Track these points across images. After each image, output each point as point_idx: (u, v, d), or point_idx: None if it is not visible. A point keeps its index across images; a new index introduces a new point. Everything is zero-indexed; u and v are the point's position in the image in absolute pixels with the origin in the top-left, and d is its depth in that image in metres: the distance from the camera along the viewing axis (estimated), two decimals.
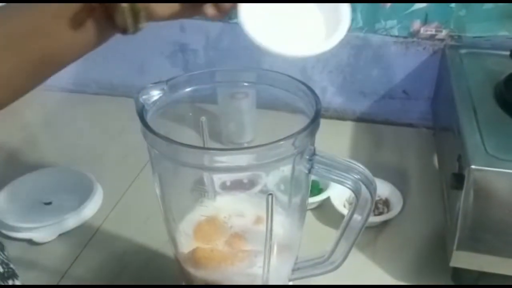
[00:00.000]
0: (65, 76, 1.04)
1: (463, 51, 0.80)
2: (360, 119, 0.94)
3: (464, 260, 0.57)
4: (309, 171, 0.44)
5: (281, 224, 0.50)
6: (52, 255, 0.65)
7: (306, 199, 0.51)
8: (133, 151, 0.82)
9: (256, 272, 0.46)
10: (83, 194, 0.74)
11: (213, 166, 0.42)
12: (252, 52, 0.93)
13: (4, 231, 0.67)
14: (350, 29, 0.90)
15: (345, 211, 0.67)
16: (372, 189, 0.44)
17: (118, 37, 0.99)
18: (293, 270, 0.51)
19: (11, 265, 0.49)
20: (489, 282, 0.59)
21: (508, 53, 0.71)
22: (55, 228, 0.68)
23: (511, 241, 0.54)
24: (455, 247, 0.56)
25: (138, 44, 0.97)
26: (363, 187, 0.43)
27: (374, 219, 0.69)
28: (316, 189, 0.72)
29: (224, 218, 0.48)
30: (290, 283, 0.53)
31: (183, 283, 0.53)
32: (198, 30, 0.93)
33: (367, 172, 0.44)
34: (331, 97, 0.94)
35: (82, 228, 0.69)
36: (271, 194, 0.41)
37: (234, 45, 0.93)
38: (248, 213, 0.49)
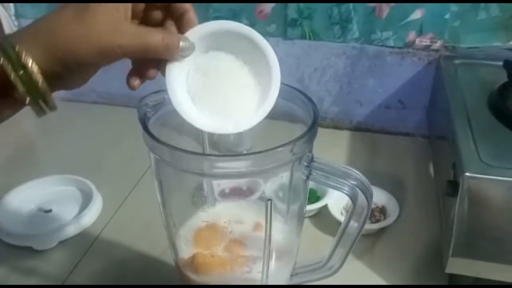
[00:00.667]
0: None
1: (457, 61, 0.82)
2: (356, 128, 0.95)
3: (460, 266, 0.58)
4: (307, 178, 0.45)
5: (280, 230, 0.51)
6: (51, 262, 0.66)
7: (304, 205, 0.52)
8: (132, 160, 0.83)
9: (255, 278, 0.47)
10: (83, 202, 0.75)
11: (213, 172, 0.43)
12: None
13: (5, 239, 0.68)
14: (346, 40, 0.91)
15: (342, 219, 0.68)
16: (368, 195, 0.45)
17: None
18: (292, 276, 0.52)
19: None
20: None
21: (501, 63, 0.72)
22: (55, 236, 0.68)
23: (505, 247, 0.55)
24: (450, 253, 0.57)
25: None
26: (360, 193, 0.44)
27: (371, 227, 0.69)
28: (314, 197, 0.73)
29: (224, 224, 0.49)
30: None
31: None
32: None
33: (363, 178, 0.45)
34: (328, 107, 0.95)
35: (82, 236, 0.70)
36: (270, 200, 0.42)
37: None
38: (247, 220, 0.50)
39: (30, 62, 0.37)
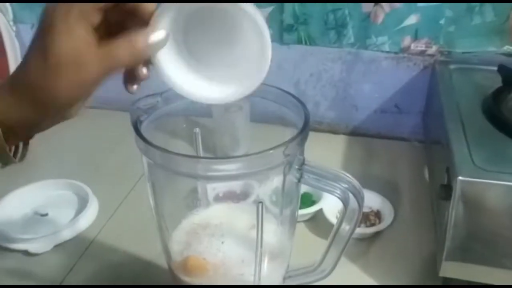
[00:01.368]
0: None
1: (452, 66, 0.82)
2: (352, 132, 0.96)
3: (453, 270, 0.58)
4: (299, 180, 0.45)
5: (273, 233, 0.51)
6: (47, 265, 0.66)
7: (297, 209, 0.52)
8: (129, 164, 0.83)
9: (248, 280, 0.47)
10: (79, 206, 0.75)
11: (206, 175, 0.43)
12: None
13: (0, 242, 0.68)
14: (342, 45, 0.91)
15: None
16: (360, 198, 0.45)
17: None
18: (284, 279, 0.52)
19: None
20: None
21: (496, 68, 0.73)
22: (50, 239, 0.68)
23: (499, 251, 0.55)
24: (444, 257, 0.57)
25: None
26: (351, 196, 0.45)
27: (366, 231, 0.70)
28: (309, 201, 0.73)
29: (216, 226, 0.49)
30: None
31: None
32: None
33: (355, 181, 0.45)
34: (324, 112, 0.95)
35: (77, 239, 0.70)
36: (261, 202, 0.42)
37: None
38: (240, 222, 0.50)
39: None
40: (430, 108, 0.86)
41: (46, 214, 0.73)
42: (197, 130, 0.54)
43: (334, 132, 0.96)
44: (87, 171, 0.84)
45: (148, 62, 0.42)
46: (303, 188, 0.74)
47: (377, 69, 0.89)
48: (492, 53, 0.83)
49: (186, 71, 0.43)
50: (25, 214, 0.73)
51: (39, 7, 0.96)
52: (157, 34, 0.39)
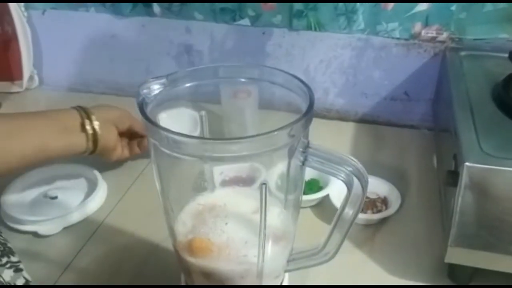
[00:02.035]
0: (73, 76, 1.06)
1: (463, 53, 0.81)
2: (362, 120, 0.95)
3: (459, 256, 0.58)
4: (303, 163, 0.45)
5: (277, 216, 0.51)
6: (56, 247, 0.67)
7: (301, 192, 0.52)
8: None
9: (251, 261, 0.47)
10: (88, 189, 0.76)
11: (211, 156, 0.43)
12: (256, 54, 0.96)
13: (11, 224, 0.69)
14: (352, 31, 0.91)
15: None
16: (364, 182, 0.45)
17: (124, 38, 1.02)
18: (288, 261, 0.52)
19: (8, 244, 0.51)
20: (485, 279, 0.60)
21: (507, 55, 0.72)
22: (59, 222, 0.69)
23: (505, 238, 0.55)
24: (450, 243, 0.57)
25: (144, 45, 0.99)
26: (355, 180, 0.45)
27: (372, 217, 0.70)
28: (316, 186, 0.74)
29: (220, 207, 0.49)
30: (286, 277, 0.55)
31: (182, 281, 0.55)
32: (203, 31, 0.95)
33: (359, 165, 0.45)
34: (334, 98, 0.95)
35: (86, 222, 0.71)
36: (264, 184, 0.42)
37: (238, 47, 0.94)
38: (245, 206, 0.50)
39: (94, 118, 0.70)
40: (439, 95, 0.85)
41: (56, 197, 0.73)
42: (203, 113, 0.54)
43: (343, 119, 0.96)
44: (96, 156, 0.84)
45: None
46: (310, 174, 0.74)
47: (387, 55, 0.88)
48: (504, 40, 0.82)
49: None
50: (35, 197, 0.74)
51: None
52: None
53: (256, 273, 0.48)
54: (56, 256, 0.66)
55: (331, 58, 0.91)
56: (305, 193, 0.71)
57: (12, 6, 0.96)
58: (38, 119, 0.67)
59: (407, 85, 0.90)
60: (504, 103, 0.65)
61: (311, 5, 0.86)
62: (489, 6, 0.80)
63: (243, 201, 0.51)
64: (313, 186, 0.73)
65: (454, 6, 0.81)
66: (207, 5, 0.91)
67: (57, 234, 0.69)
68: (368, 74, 0.91)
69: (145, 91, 0.47)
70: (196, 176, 0.52)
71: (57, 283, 0.62)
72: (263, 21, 0.91)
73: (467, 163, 0.54)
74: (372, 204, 0.72)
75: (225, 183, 0.58)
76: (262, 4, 0.89)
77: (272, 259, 0.49)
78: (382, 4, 0.84)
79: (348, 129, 0.93)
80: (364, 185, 0.45)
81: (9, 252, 0.51)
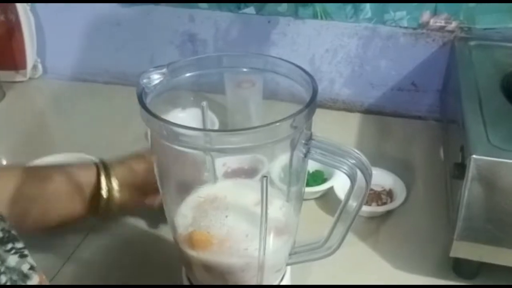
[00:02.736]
0: (77, 65, 1.05)
1: (472, 43, 0.79)
2: (368, 111, 0.94)
3: (464, 250, 0.57)
4: (305, 156, 0.44)
5: (280, 208, 0.50)
6: (58, 238, 0.67)
7: (304, 185, 0.51)
8: (142, 139, 0.82)
9: (252, 254, 0.46)
10: None
11: (213, 148, 0.43)
12: (261, 43, 0.94)
13: None
14: (358, 20, 0.89)
15: None
16: (367, 175, 0.44)
17: (129, 27, 1.00)
18: (290, 255, 0.51)
19: (13, 231, 0.51)
20: (491, 273, 0.59)
21: None
22: None
23: (510, 232, 0.54)
24: (455, 237, 0.56)
25: (148, 34, 0.98)
26: (359, 172, 0.44)
27: (377, 209, 0.69)
28: (320, 178, 0.73)
29: (220, 199, 0.49)
30: (288, 271, 0.54)
31: (183, 274, 0.54)
32: (207, 20, 0.93)
33: (363, 158, 0.44)
34: (340, 89, 0.94)
35: None
36: (266, 177, 0.42)
37: (243, 36, 0.93)
38: (246, 198, 0.49)
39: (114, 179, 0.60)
40: (448, 86, 0.84)
41: None
42: (205, 103, 0.53)
43: (349, 110, 0.95)
44: (100, 146, 0.84)
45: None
46: (315, 166, 0.73)
47: (394, 45, 0.87)
48: None
49: None
50: None
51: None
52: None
53: (257, 266, 0.47)
54: (59, 246, 0.66)
55: (337, 48, 0.90)
56: (309, 185, 0.70)
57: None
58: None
59: (414, 75, 0.89)
60: None
61: None
62: None
63: (245, 193, 0.51)
64: (317, 178, 0.72)
65: None
66: None
67: None
68: (375, 64, 0.90)
69: (145, 80, 0.46)
70: (197, 166, 0.51)
71: (58, 274, 0.62)
72: (268, 10, 0.89)
73: (474, 156, 0.53)
74: (377, 197, 0.71)
75: (228, 174, 0.57)
76: None
77: (273, 253, 0.48)
78: None
79: (354, 120, 0.92)
80: (367, 178, 0.44)
81: (14, 238, 0.51)
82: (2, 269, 0.39)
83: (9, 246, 0.49)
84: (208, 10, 0.92)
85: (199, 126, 0.55)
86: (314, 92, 0.44)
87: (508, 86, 0.65)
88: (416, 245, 0.65)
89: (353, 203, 0.47)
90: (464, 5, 0.80)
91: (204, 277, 0.50)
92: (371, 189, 0.67)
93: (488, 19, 0.80)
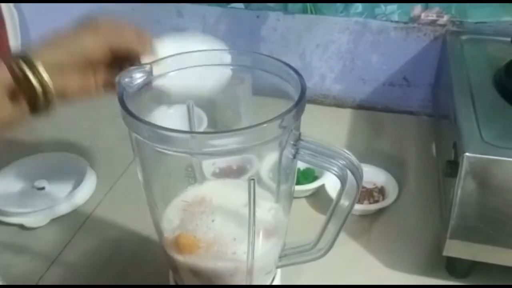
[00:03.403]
0: None
1: (464, 37, 0.79)
2: (359, 106, 0.93)
3: (457, 249, 0.56)
4: (294, 157, 0.43)
5: (269, 210, 0.49)
6: (43, 240, 0.65)
7: (293, 185, 0.50)
8: (127, 139, 0.81)
9: (240, 258, 0.45)
10: (77, 179, 0.74)
11: (199, 151, 0.41)
12: (251, 38, 0.93)
13: None
14: (349, 14, 0.88)
15: None
16: (358, 176, 0.43)
17: None
18: (280, 257, 0.50)
19: None
20: (484, 272, 0.58)
21: (510, 39, 0.69)
22: (47, 213, 0.67)
23: (504, 230, 0.53)
24: (448, 235, 0.55)
25: None
26: (349, 174, 0.42)
27: (369, 207, 0.68)
28: (311, 176, 0.71)
29: (206, 202, 0.47)
30: (278, 272, 0.53)
31: (170, 278, 0.53)
32: (195, 15, 0.92)
33: (353, 158, 0.42)
34: (331, 84, 0.92)
35: (75, 214, 0.69)
36: (253, 179, 0.40)
37: (232, 31, 0.91)
38: (234, 199, 0.48)
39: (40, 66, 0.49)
40: (439, 80, 0.83)
41: (43, 188, 0.71)
42: (191, 102, 0.52)
43: (340, 105, 0.93)
44: (86, 146, 0.82)
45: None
46: (305, 164, 0.72)
47: (385, 40, 0.86)
48: (506, 23, 0.79)
49: None
50: (22, 188, 0.72)
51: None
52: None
53: (246, 270, 0.46)
54: (43, 249, 0.64)
55: (327, 43, 0.88)
56: (299, 183, 0.69)
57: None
58: None
59: (406, 70, 0.87)
60: (506, 89, 0.63)
61: None
62: None
63: (233, 194, 0.49)
64: (308, 175, 0.71)
65: None
66: None
67: (44, 226, 0.67)
68: (366, 59, 0.88)
69: (126, 79, 0.44)
70: (183, 170, 0.50)
71: (43, 277, 0.60)
72: (258, 4, 0.88)
73: (467, 153, 0.51)
74: (368, 194, 0.70)
75: (216, 174, 0.56)
76: None
77: (262, 256, 0.47)
78: None
79: (345, 116, 0.91)
80: (358, 180, 0.43)
81: None
82: None
83: None
84: (196, 5, 0.90)
85: (187, 123, 0.54)
86: (303, 90, 0.43)
87: (500, 80, 0.64)
88: (409, 244, 0.64)
89: (343, 205, 0.45)
90: None
91: (192, 282, 0.49)
92: (363, 187, 0.66)
93: (480, 13, 0.79)
